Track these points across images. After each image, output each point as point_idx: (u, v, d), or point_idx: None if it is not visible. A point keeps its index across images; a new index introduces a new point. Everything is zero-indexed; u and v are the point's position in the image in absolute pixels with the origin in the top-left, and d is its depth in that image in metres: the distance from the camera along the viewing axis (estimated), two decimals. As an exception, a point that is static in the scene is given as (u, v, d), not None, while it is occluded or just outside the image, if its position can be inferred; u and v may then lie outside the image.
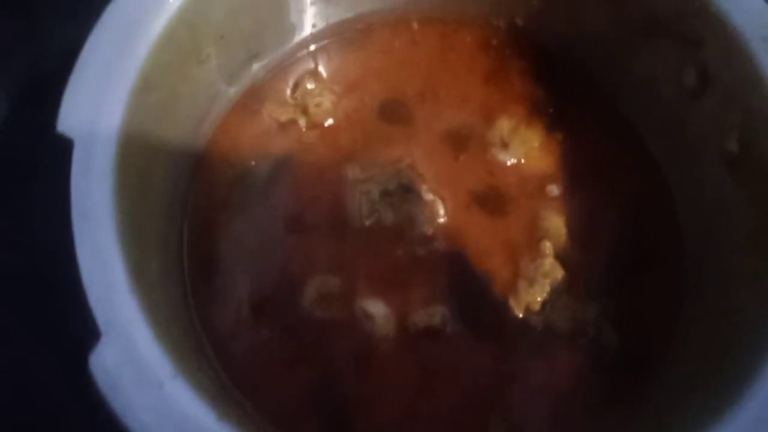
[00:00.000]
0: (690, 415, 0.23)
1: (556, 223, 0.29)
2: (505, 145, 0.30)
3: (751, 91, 0.25)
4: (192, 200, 0.29)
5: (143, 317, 0.19)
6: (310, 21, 0.32)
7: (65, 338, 0.28)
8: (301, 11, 0.31)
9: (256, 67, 0.31)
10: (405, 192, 0.29)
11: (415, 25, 0.33)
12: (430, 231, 0.28)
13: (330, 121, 0.31)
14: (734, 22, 0.25)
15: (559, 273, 0.28)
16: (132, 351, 0.18)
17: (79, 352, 0.27)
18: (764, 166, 0.25)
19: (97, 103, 0.23)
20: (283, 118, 0.31)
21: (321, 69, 0.32)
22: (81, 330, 0.19)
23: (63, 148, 0.22)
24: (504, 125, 0.31)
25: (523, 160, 0.30)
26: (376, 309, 0.27)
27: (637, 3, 0.28)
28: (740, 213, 0.26)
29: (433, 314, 0.27)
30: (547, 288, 0.27)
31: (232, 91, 0.31)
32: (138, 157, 0.24)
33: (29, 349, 0.29)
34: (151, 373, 0.18)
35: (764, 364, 0.21)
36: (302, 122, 0.30)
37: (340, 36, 0.32)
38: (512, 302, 0.27)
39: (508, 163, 0.30)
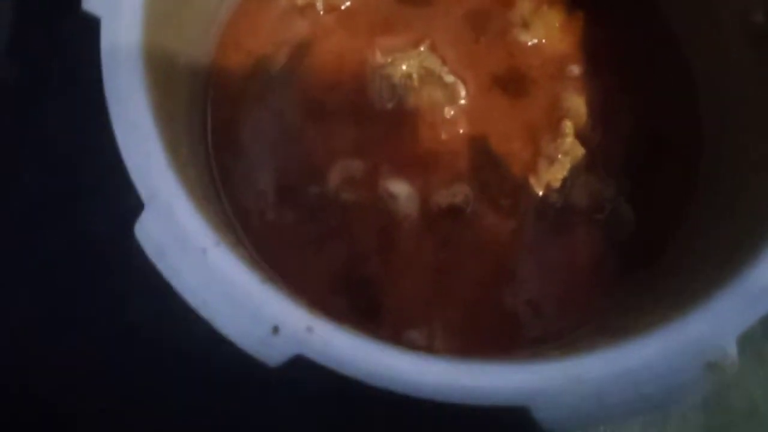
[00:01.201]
0: (701, 286, 0.23)
1: (576, 103, 0.29)
2: (526, 26, 0.30)
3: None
4: (212, 89, 0.29)
5: (182, 190, 0.20)
6: None
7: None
8: None
9: (270, -52, 0.30)
10: (426, 75, 0.29)
11: None
12: (451, 113, 0.29)
13: (347, 4, 0.30)
14: None
15: (579, 151, 0.28)
16: (175, 220, 0.19)
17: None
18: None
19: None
20: (300, 1, 0.30)
21: (336, -51, 0.31)
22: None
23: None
24: (525, 5, 0.30)
25: (544, 41, 0.30)
26: (400, 189, 0.28)
27: None
28: (761, 96, 0.26)
29: (456, 193, 0.28)
30: (568, 166, 0.28)
31: (247, -25, 0.30)
32: (161, 39, 0.24)
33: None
34: (195, 241, 0.19)
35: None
36: (319, 5, 0.30)
37: None
38: (533, 180, 0.28)
39: (529, 44, 0.30)
